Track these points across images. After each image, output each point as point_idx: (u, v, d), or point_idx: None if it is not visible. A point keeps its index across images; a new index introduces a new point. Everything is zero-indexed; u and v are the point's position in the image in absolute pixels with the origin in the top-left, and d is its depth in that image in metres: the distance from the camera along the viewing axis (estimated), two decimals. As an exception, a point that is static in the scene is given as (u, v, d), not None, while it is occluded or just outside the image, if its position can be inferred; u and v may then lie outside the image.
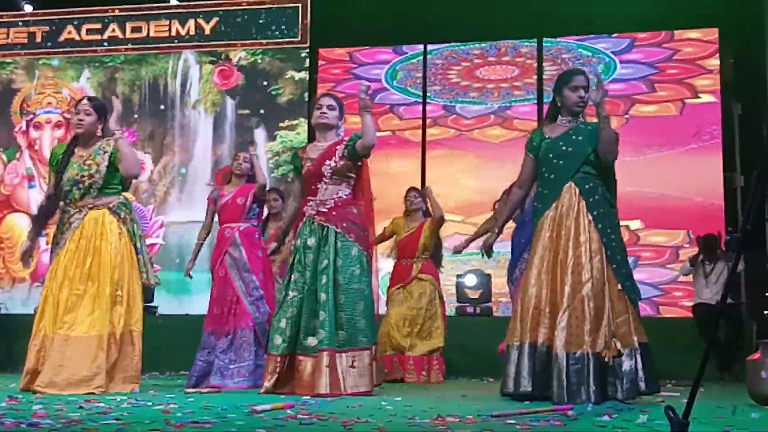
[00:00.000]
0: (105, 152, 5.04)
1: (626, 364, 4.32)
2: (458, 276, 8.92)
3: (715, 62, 9.52)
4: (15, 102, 10.84)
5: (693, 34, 9.63)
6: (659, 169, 9.37)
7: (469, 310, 8.67)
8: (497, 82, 10.07)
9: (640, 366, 4.35)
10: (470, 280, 8.76)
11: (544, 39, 10.00)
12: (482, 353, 7.58)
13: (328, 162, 5.02)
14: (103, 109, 5.15)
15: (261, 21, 10.56)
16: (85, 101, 5.15)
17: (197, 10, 10.71)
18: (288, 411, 3.47)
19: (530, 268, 4.55)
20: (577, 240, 4.44)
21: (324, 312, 4.82)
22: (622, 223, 4.79)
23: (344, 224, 4.96)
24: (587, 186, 4.53)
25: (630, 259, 4.82)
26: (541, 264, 4.51)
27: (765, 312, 8.22)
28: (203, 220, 6.34)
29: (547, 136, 4.69)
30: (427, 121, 10.16)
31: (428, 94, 10.22)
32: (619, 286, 4.43)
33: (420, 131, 10.15)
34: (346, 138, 5.13)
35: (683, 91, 9.57)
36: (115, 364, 4.85)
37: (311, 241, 4.98)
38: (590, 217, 4.48)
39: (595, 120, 4.60)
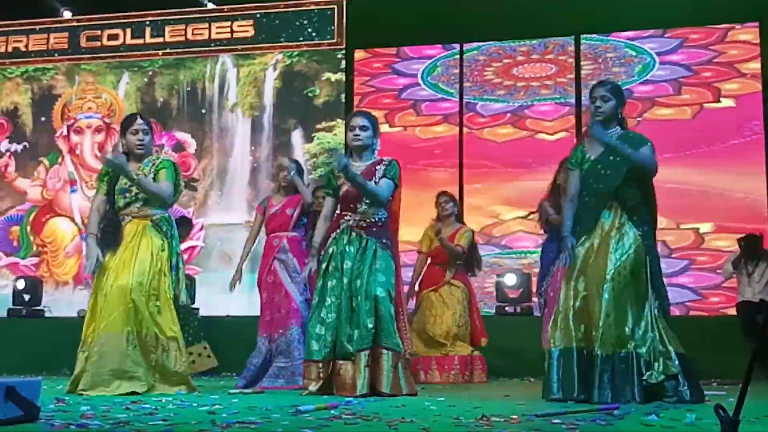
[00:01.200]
0: (153, 164, 5.14)
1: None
2: (498, 276, 8.88)
3: (755, 65, 9.37)
4: (56, 107, 10.99)
5: (744, 35, 9.49)
6: (699, 166, 9.25)
7: (509, 309, 8.62)
8: (528, 80, 9.99)
9: (681, 376, 4.32)
10: (510, 280, 8.71)
11: (586, 36, 9.89)
12: (523, 353, 7.54)
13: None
14: (151, 125, 5.31)
15: (297, 23, 10.61)
16: (140, 121, 5.20)
17: (234, 13, 10.78)
18: (332, 411, 3.48)
19: (570, 273, 4.55)
20: (619, 250, 4.45)
21: (361, 314, 4.84)
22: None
23: (383, 240, 4.99)
24: (630, 204, 4.55)
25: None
26: (581, 270, 4.51)
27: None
28: (249, 225, 6.45)
29: (588, 155, 4.70)
30: (438, 117, 10.12)
31: (453, 91, 10.15)
32: (656, 304, 4.46)
33: (431, 128, 10.10)
34: (385, 159, 5.10)
35: (706, 95, 9.44)
36: (156, 368, 4.91)
37: (350, 248, 4.98)
38: (635, 232, 4.49)
39: (635, 131, 4.61)
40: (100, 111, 10.88)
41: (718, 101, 9.42)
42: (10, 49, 11.19)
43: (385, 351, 4.81)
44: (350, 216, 5.04)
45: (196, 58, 10.84)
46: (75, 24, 11.15)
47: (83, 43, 11.09)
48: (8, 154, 10.87)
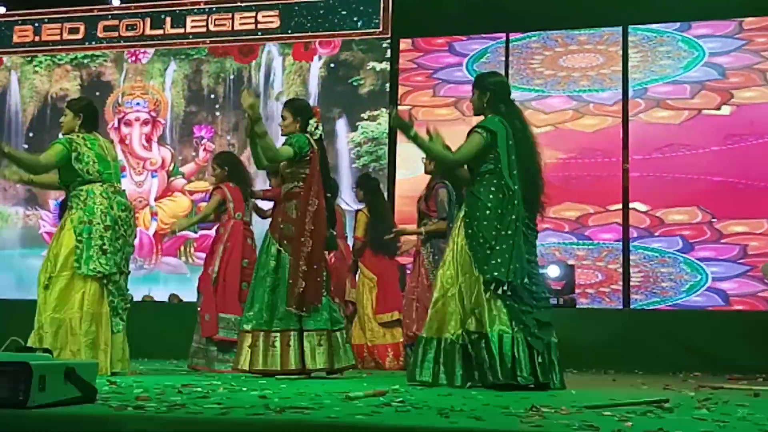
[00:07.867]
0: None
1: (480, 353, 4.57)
2: (541, 267, 8.83)
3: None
4: (108, 101, 11.17)
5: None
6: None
7: (553, 301, 8.56)
8: (575, 71, 9.87)
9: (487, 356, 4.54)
10: (553, 272, 8.67)
11: (634, 27, 9.76)
12: (567, 345, 7.47)
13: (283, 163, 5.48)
14: (78, 107, 5.35)
15: (342, 12, 10.62)
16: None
17: (280, 2, 10.81)
18: (382, 398, 3.51)
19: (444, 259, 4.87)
20: (454, 239, 4.77)
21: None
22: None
23: (272, 222, 5.50)
24: (470, 188, 4.81)
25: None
26: (446, 257, 4.84)
27: None
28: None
29: None
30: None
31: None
32: (483, 280, 4.62)
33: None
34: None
35: (760, 88, 9.27)
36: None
37: None
38: (462, 213, 4.79)
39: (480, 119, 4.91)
40: (148, 103, 11.06)
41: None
42: (64, 37, 11.38)
43: (311, 331, 5.29)
44: None
45: (243, 47, 10.92)
46: (122, 12, 11.28)
47: (128, 31, 11.22)
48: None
